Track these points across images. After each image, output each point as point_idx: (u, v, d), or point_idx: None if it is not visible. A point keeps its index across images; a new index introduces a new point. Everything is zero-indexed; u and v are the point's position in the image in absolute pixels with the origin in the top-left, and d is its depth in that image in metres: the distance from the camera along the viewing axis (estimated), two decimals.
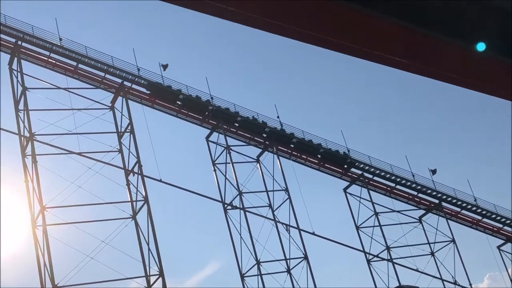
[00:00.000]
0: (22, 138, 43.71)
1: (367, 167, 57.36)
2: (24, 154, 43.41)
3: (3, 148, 48.88)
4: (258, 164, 54.76)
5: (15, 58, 45.38)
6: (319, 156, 56.02)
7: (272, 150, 54.52)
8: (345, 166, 56.83)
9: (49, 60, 46.61)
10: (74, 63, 47.15)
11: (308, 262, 51.06)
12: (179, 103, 50.79)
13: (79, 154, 44.24)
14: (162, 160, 48.12)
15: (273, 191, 53.80)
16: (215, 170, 52.46)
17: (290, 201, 52.98)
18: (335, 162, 56.68)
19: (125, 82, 48.49)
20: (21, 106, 44.42)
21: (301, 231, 51.88)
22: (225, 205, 51.20)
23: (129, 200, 45.38)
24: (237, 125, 52.93)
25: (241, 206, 51.07)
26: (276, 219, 52.75)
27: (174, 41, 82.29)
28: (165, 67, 50.27)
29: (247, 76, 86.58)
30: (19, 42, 45.56)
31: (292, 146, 55.17)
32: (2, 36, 45.44)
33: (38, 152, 42.89)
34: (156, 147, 47.44)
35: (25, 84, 44.49)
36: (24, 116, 43.91)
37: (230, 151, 52.39)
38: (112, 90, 48.37)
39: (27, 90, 44.41)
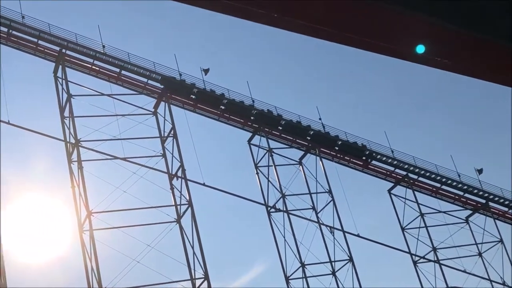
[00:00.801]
0: (68, 144, 44.43)
1: (411, 168, 56.74)
2: (70, 160, 44.10)
3: (50, 155, 49.87)
4: (300, 166, 54.61)
5: (60, 66, 46.17)
6: (363, 158, 55.61)
7: (314, 152, 54.32)
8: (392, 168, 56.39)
9: (93, 67, 47.32)
10: (117, 70, 47.79)
11: (353, 264, 50.70)
12: (223, 107, 50.97)
13: (124, 159, 44.78)
14: (205, 164, 48.36)
15: (316, 193, 53.58)
16: (257, 173, 52.49)
17: (334, 203, 52.70)
18: (380, 163, 56.24)
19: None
20: (66, 113, 45.15)
21: (346, 233, 51.59)
22: (269, 208, 51.17)
23: (173, 204, 45.74)
24: (280, 128, 52.92)
25: (284, 209, 51.00)
26: (320, 221, 52.52)
27: (214, 46, 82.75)
28: (206, 71, 50.57)
29: (287, 78, 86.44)
30: (64, 50, 46.35)
31: (337, 148, 54.90)
32: (47, 44, 46.30)
33: (84, 158, 43.55)
34: (199, 151, 47.70)
35: (70, 91, 45.24)
36: (69, 123, 44.63)
37: (272, 153, 52.39)
38: (154, 95, 48.85)
39: (72, 97, 45.13)
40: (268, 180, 51.92)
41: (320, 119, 54.51)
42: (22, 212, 49.62)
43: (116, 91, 47.42)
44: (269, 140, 52.62)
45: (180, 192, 45.75)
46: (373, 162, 56.16)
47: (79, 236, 41.89)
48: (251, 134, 52.75)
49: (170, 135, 47.60)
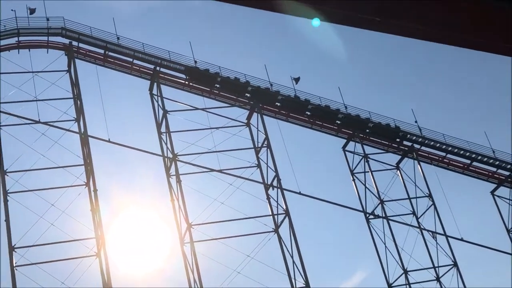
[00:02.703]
0: (166, 159, 45.54)
1: None
2: (168, 174, 45.20)
3: (149, 170, 51.31)
4: (398, 171, 53.59)
5: (155, 84, 47.48)
6: (465, 160, 53.99)
7: (412, 156, 53.18)
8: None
9: (186, 82, 48.35)
10: (209, 86, 48.57)
11: (458, 269, 49.20)
12: (308, 113, 50.77)
13: (220, 171, 45.42)
14: (299, 173, 48.19)
15: (415, 198, 52.42)
16: (354, 180, 51.91)
17: (435, 207, 51.40)
18: (481, 164, 54.41)
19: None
20: (163, 129, 46.34)
21: (449, 238, 50.15)
22: (367, 215, 50.47)
23: (271, 213, 45.91)
24: (370, 131, 52.16)
25: (383, 215, 50.19)
26: (421, 227, 51.29)
27: (304, 54, 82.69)
28: (297, 80, 50.61)
29: (380, 81, 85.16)
30: (158, 68, 47.64)
31: (436, 151, 53.57)
32: (142, 63, 47.75)
33: (182, 171, 44.52)
34: (293, 159, 47.68)
35: (165, 107, 46.41)
36: (166, 138, 45.77)
37: (368, 159, 51.70)
38: (247, 107, 49.33)
39: (168, 113, 46.28)
40: (365, 187, 51.27)
41: (416, 121, 53.42)
42: (126, 226, 51.21)
43: (209, 104, 48.31)
44: (365, 146, 52.00)
45: (277, 201, 45.92)
46: (474, 163, 54.37)
47: (180, 249, 42.76)
48: (345, 140, 52.27)
49: (264, 145, 47.89)
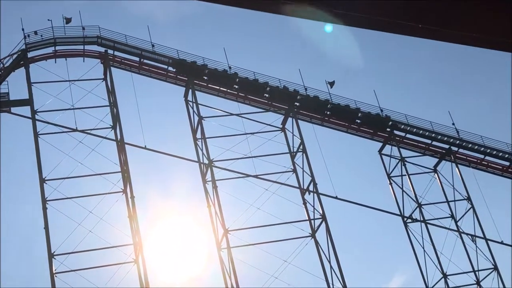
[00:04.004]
0: (202, 165, 45.67)
1: None
2: (204, 180, 45.31)
3: (185, 176, 51.50)
4: (435, 174, 52.91)
5: (190, 90, 47.67)
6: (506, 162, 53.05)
7: (449, 159, 52.47)
8: None
9: (221, 89, 48.44)
10: (243, 92, 48.55)
11: (498, 273, 48.34)
12: (358, 121, 50.38)
13: (256, 176, 45.38)
14: (336, 177, 47.92)
15: (454, 201, 51.68)
16: (391, 183, 51.40)
17: (474, 210, 50.62)
18: None
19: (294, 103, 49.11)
20: (198, 135, 46.49)
21: (488, 241, 49.33)
22: (405, 219, 49.90)
23: (307, 218, 45.70)
24: (406, 134, 51.65)
25: (421, 219, 49.60)
26: (460, 230, 50.53)
27: (340, 58, 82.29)
28: (331, 84, 50.32)
29: (414, 85, 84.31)
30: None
31: (474, 153, 52.76)
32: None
33: (218, 177, 44.58)
34: (329, 164, 47.42)
35: (200, 113, 46.56)
36: (202, 144, 45.90)
37: (405, 162, 51.16)
38: (281, 112, 49.22)
39: (203, 119, 46.42)
40: (403, 190, 50.73)
41: (453, 124, 52.68)
42: (163, 232, 51.47)
43: (243, 110, 48.32)
44: (401, 149, 51.48)
45: (313, 206, 45.70)
46: None
47: (217, 254, 42.80)
48: (381, 144, 51.81)
49: (299, 150, 47.72)
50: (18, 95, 44.78)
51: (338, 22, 7.05)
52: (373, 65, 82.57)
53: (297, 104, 49.24)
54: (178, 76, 47.94)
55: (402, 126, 51.45)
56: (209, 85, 48.42)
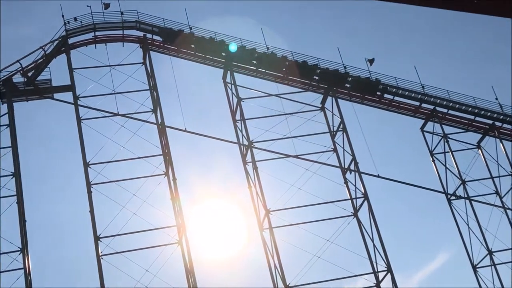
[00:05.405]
0: (242, 146, 45.83)
1: None
2: (245, 161, 45.50)
3: (225, 157, 51.80)
4: (479, 150, 52.10)
5: (228, 72, 47.74)
6: None
7: (493, 134, 51.58)
8: None
9: (259, 70, 48.33)
10: (282, 71, 48.39)
11: None
12: (392, 97, 49.83)
13: (296, 157, 45.34)
14: (377, 155, 47.42)
15: (498, 177, 50.86)
16: (433, 161, 50.80)
17: None
18: None
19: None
20: (237, 117, 46.60)
21: None
22: (448, 196, 49.34)
23: (349, 197, 45.54)
24: (448, 111, 50.89)
25: (465, 196, 48.98)
26: (505, 206, 49.76)
27: (380, 35, 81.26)
28: (371, 61, 49.79)
29: (457, 58, 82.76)
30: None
31: None
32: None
33: (258, 158, 44.70)
34: (370, 142, 46.97)
35: (239, 95, 46.62)
36: (241, 126, 46.02)
37: (448, 139, 50.49)
38: (321, 91, 48.94)
39: (242, 100, 46.49)
40: (446, 167, 50.12)
41: (496, 98, 51.72)
42: (205, 213, 51.96)
43: (282, 90, 48.19)
44: (444, 126, 50.79)
45: (355, 185, 45.49)
46: None
47: (259, 234, 43.03)
48: (423, 121, 51.15)
49: (340, 129, 47.46)
50: (60, 81, 45.53)
51: None
52: (412, 41, 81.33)
53: (347, 85, 48.76)
54: (214, 58, 47.96)
55: (445, 102, 50.78)
56: (248, 66, 48.31)
